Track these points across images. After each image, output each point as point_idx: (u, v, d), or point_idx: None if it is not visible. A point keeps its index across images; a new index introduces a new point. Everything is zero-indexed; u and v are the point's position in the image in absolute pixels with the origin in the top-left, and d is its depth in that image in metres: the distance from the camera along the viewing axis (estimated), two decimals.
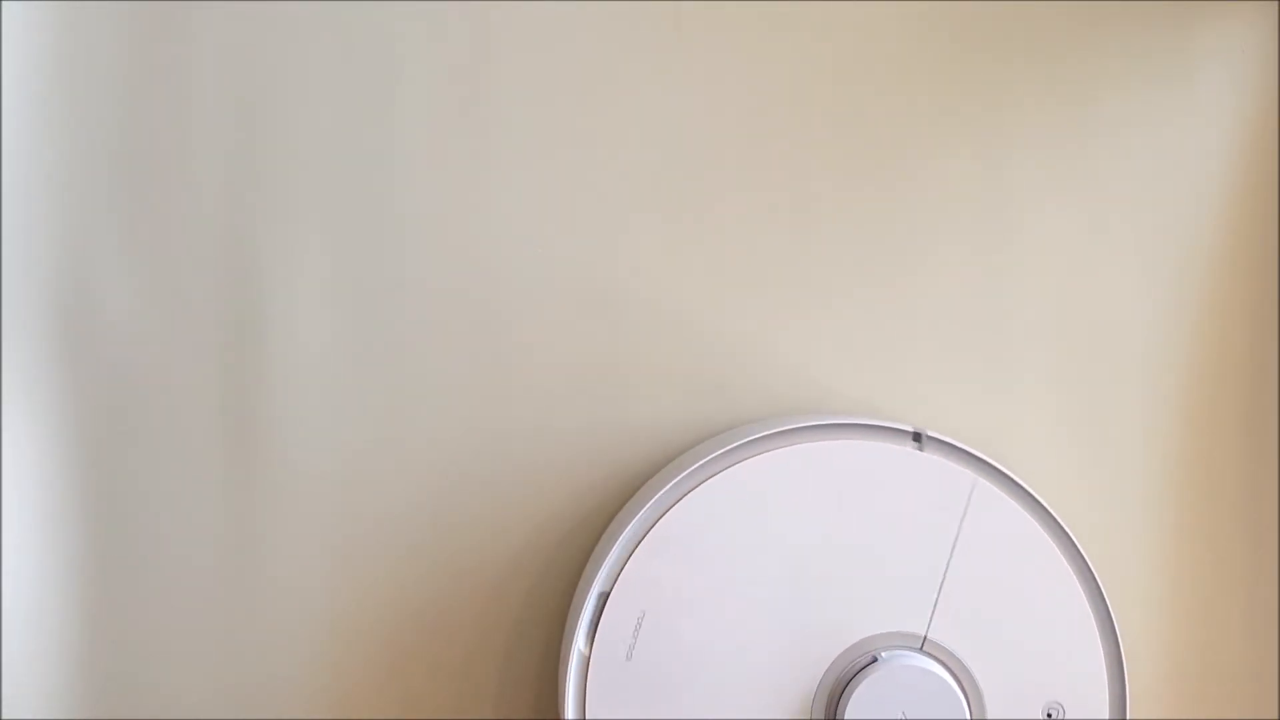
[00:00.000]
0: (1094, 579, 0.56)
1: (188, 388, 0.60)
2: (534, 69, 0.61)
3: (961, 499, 0.55)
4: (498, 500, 0.62)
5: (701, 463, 0.56)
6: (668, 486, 0.56)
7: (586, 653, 0.55)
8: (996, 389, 0.65)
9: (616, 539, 0.56)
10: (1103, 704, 0.56)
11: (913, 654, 0.55)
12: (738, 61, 0.62)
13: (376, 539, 0.61)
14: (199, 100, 0.59)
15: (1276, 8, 0.65)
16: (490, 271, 0.62)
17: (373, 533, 0.61)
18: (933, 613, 0.55)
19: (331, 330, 0.60)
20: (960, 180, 0.64)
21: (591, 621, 0.55)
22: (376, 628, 0.61)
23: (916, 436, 0.56)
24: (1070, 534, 0.56)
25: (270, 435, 0.60)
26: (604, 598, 0.55)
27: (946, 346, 0.65)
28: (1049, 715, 0.56)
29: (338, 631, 0.61)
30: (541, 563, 0.62)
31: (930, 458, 0.56)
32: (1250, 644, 0.66)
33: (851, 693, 0.54)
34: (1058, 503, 0.57)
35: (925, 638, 0.55)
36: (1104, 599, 0.56)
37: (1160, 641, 0.66)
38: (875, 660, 0.55)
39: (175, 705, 0.60)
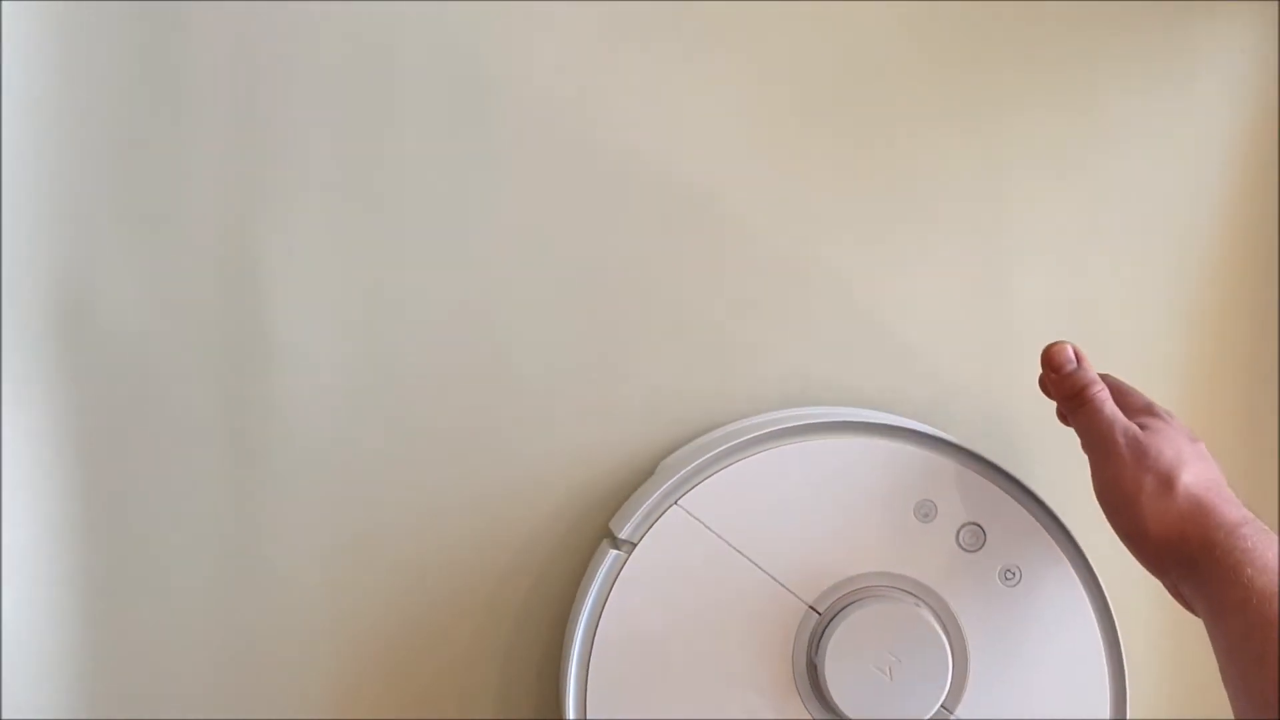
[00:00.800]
0: (1081, 555, 0.56)
1: (188, 390, 0.60)
2: (534, 68, 0.61)
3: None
4: (499, 500, 0.62)
5: (695, 464, 0.56)
6: (669, 482, 0.56)
7: (586, 653, 0.55)
8: (995, 388, 0.65)
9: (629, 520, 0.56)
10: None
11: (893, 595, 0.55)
12: (735, 65, 0.62)
13: (378, 541, 0.61)
14: (199, 102, 0.59)
15: (1277, 7, 0.65)
16: (491, 272, 0.61)
17: (374, 535, 0.61)
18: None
19: (332, 332, 0.60)
20: (960, 178, 0.64)
21: (591, 621, 0.55)
22: (378, 629, 0.61)
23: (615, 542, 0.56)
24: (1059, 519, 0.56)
25: (271, 437, 0.60)
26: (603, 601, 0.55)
27: (946, 346, 0.65)
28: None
29: (339, 633, 0.61)
30: (541, 563, 0.63)
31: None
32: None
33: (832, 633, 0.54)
34: (1059, 503, 0.57)
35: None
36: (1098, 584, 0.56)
37: (1159, 646, 0.66)
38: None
39: (175, 708, 0.60)
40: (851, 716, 0.54)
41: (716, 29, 0.62)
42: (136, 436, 0.59)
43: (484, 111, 0.61)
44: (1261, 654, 0.42)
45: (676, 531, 0.55)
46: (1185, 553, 0.47)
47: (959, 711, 0.56)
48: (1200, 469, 0.49)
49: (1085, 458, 0.52)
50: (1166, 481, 0.48)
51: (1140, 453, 0.48)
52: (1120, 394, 0.54)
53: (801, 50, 0.62)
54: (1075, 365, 0.52)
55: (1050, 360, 0.52)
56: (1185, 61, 0.64)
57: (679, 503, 0.55)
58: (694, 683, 0.55)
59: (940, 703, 0.55)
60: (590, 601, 0.55)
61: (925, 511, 0.56)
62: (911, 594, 0.56)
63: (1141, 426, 0.50)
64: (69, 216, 0.59)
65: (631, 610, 0.55)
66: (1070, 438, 0.54)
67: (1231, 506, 0.47)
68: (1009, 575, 0.56)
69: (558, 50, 0.61)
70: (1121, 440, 0.49)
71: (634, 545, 0.55)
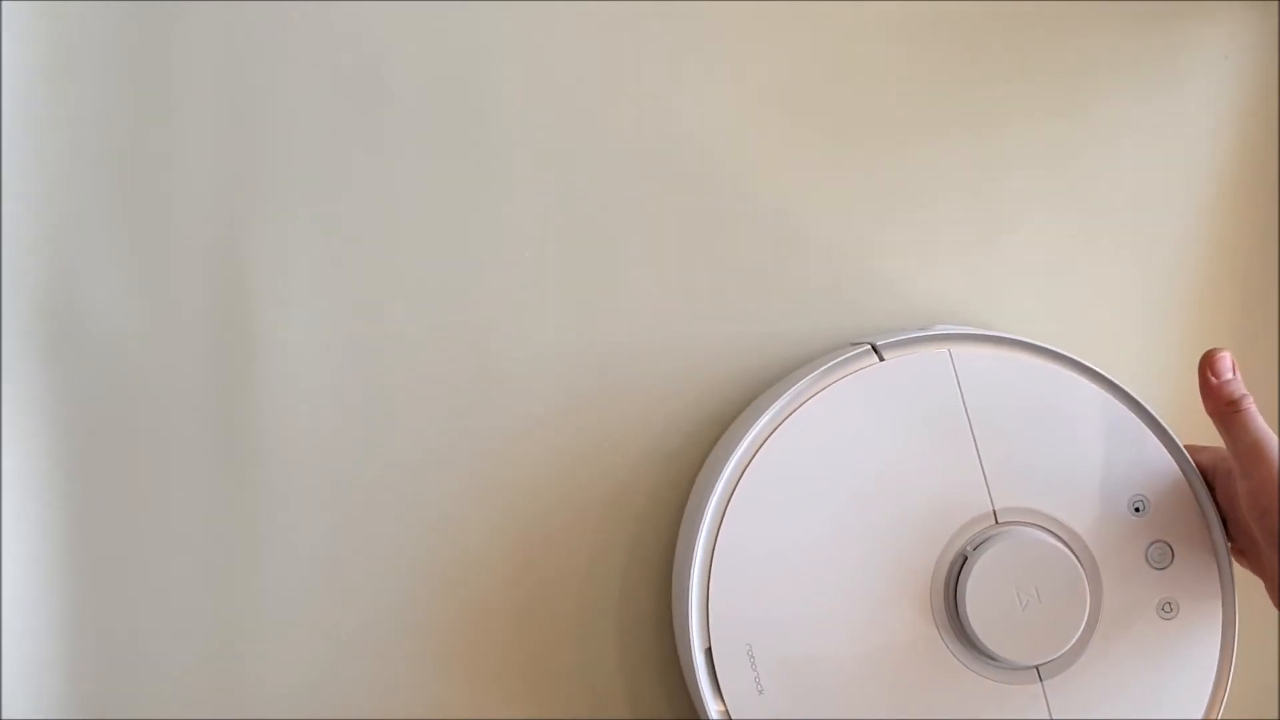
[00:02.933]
0: (1109, 380, 0.57)
1: (177, 392, 0.58)
2: (528, 69, 0.59)
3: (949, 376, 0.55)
4: (491, 503, 0.60)
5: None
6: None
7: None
8: None
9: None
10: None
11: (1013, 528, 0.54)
12: (724, 69, 0.61)
13: (369, 544, 0.59)
14: (189, 106, 0.57)
15: (1277, 8, 0.64)
16: (485, 274, 0.60)
17: (365, 537, 0.59)
18: (989, 489, 0.55)
19: (323, 335, 0.59)
20: (950, 182, 0.62)
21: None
22: (370, 633, 0.59)
23: (873, 349, 0.55)
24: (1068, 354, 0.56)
25: (261, 439, 0.58)
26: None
27: None
28: (1135, 509, 0.56)
29: (330, 637, 0.59)
30: (540, 569, 0.60)
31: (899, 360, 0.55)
32: (1250, 644, 0.66)
33: (967, 577, 0.53)
34: None
35: (994, 511, 0.55)
36: (1139, 404, 0.56)
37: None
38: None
39: (165, 710, 0.58)
40: (1012, 657, 0.53)
41: (707, 34, 0.60)
42: (125, 440, 0.57)
43: (476, 113, 0.59)
44: None
45: (930, 367, 0.55)
46: None
47: (1046, 680, 0.55)
48: None
49: None
50: None
51: None
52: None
53: (787, 54, 0.61)
54: (1233, 375, 0.54)
55: (1212, 365, 0.54)
56: (1176, 64, 0.64)
57: (950, 350, 0.54)
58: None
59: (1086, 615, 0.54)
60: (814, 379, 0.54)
61: (1138, 506, 0.55)
62: (1029, 524, 0.55)
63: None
64: (57, 220, 0.57)
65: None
66: None
67: None
68: (1167, 609, 0.55)
69: (551, 51, 0.59)
70: (1271, 449, 0.52)
71: (882, 359, 0.54)
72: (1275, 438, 0.52)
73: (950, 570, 0.54)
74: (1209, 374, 0.54)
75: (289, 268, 0.58)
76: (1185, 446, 0.57)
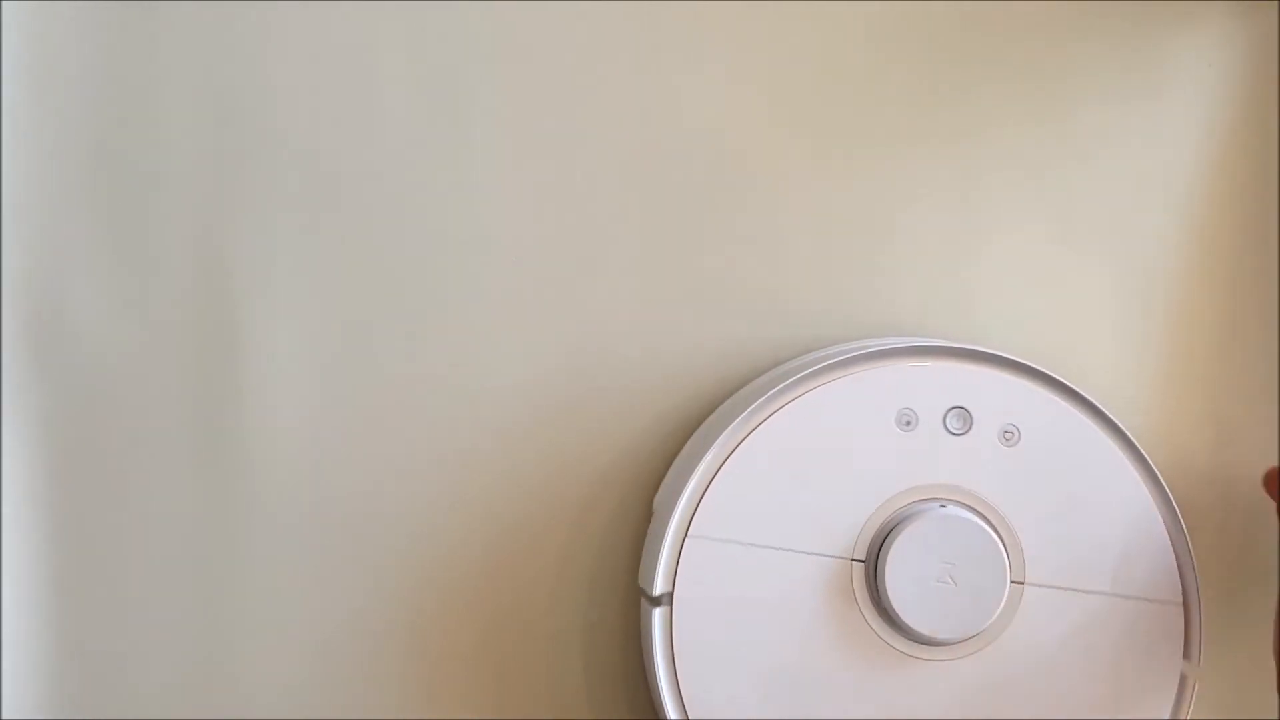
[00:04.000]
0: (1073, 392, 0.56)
1: (160, 396, 0.58)
2: (517, 70, 0.60)
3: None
4: (479, 507, 0.60)
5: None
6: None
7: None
8: None
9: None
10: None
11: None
12: (707, 78, 0.61)
13: (354, 547, 0.60)
14: (173, 105, 0.58)
15: (1276, 10, 0.64)
16: (476, 277, 0.60)
17: (350, 540, 0.60)
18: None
19: (307, 338, 0.59)
20: (932, 190, 0.63)
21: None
22: (354, 635, 0.60)
23: (655, 601, 0.57)
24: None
25: (245, 443, 0.59)
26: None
27: None
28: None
29: (309, 638, 0.59)
30: (511, 575, 0.61)
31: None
32: (1250, 643, 0.64)
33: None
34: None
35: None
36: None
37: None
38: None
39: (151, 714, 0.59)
40: (942, 634, 0.54)
41: (686, 40, 0.61)
42: (107, 444, 0.58)
43: (466, 114, 0.60)
44: None
45: (703, 561, 0.54)
46: None
47: (1030, 578, 0.55)
48: None
49: None
50: None
51: None
52: None
53: (768, 59, 0.61)
54: None
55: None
56: (1158, 71, 0.63)
57: (690, 535, 0.54)
58: (791, 685, 0.54)
59: (1009, 579, 0.54)
60: (661, 670, 0.54)
61: (907, 420, 0.55)
62: (934, 499, 0.55)
63: None
64: (37, 222, 0.58)
65: (701, 658, 0.54)
66: None
67: None
68: (1008, 436, 0.55)
69: (541, 49, 0.60)
70: None
71: (670, 595, 0.54)
72: None
73: (882, 618, 0.55)
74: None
75: (274, 274, 0.59)
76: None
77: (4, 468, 0.57)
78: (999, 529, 0.55)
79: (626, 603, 0.62)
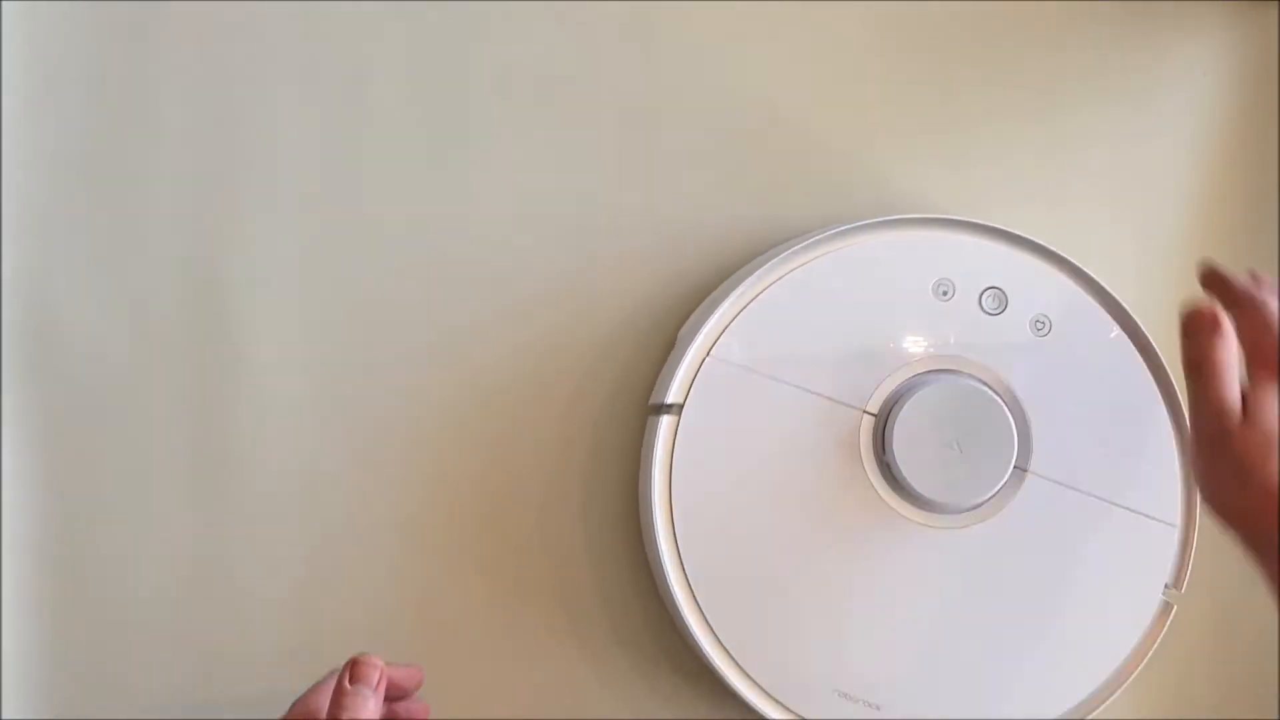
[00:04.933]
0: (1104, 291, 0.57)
1: (153, 400, 0.58)
2: (509, 70, 0.60)
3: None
4: (470, 511, 0.60)
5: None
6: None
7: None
8: None
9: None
10: None
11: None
12: (702, 72, 0.61)
13: (347, 550, 0.59)
14: (165, 108, 0.58)
15: (1276, 11, 0.64)
16: (468, 280, 0.60)
17: (343, 543, 0.59)
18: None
19: (300, 342, 0.59)
20: (925, 191, 0.63)
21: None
22: (347, 637, 0.59)
23: (664, 409, 0.56)
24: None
25: (238, 447, 0.59)
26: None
27: None
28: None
29: (308, 641, 0.59)
30: (509, 460, 0.60)
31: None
32: (1250, 643, 0.64)
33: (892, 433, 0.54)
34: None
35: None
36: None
37: None
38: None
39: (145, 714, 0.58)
40: (938, 499, 0.54)
41: (689, 37, 0.61)
42: (103, 447, 0.58)
43: (458, 117, 0.60)
44: None
45: (718, 383, 0.55)
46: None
47: (1035, 467, 0.55)
48: None
49: None
50: (1243, 476, 0.48)
51: (1223, 447, 0.48)
52: (1259, 332, 0.50)
53: (765, 56, 0.61)
54: (1210, 331, 0.50)
55: (1193, 322, 0.50)
56: (1149, 73, 0.63)
57: (711, 354, 0.55)
58: (781, 519, 0.55)
59: (1013, 463, 0.54)
60: (656, 476, 0.54)
61: (944, 289, 0.56)
62: (955, 370, 0.55)
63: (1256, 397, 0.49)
64: (29, 225, 0.58)
65: (700, 472, 0.54)
66: None
67: None
68: (1040, 325, 0.56)
69: (532, 49, 0.60)
70: (1208, 431, 0.49)
71: (680, 407, 0.55)
72: (1220, 415, 0.48)
73: (884, 474, 0.55)
74: (1183, 330, 0.50)
75: (267, 277, 0.59)
76: None
77: (3, 469, 0.57)
78: (1014, 412, 0.55)
79: (626, 477, 0.61)
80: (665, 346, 0.60)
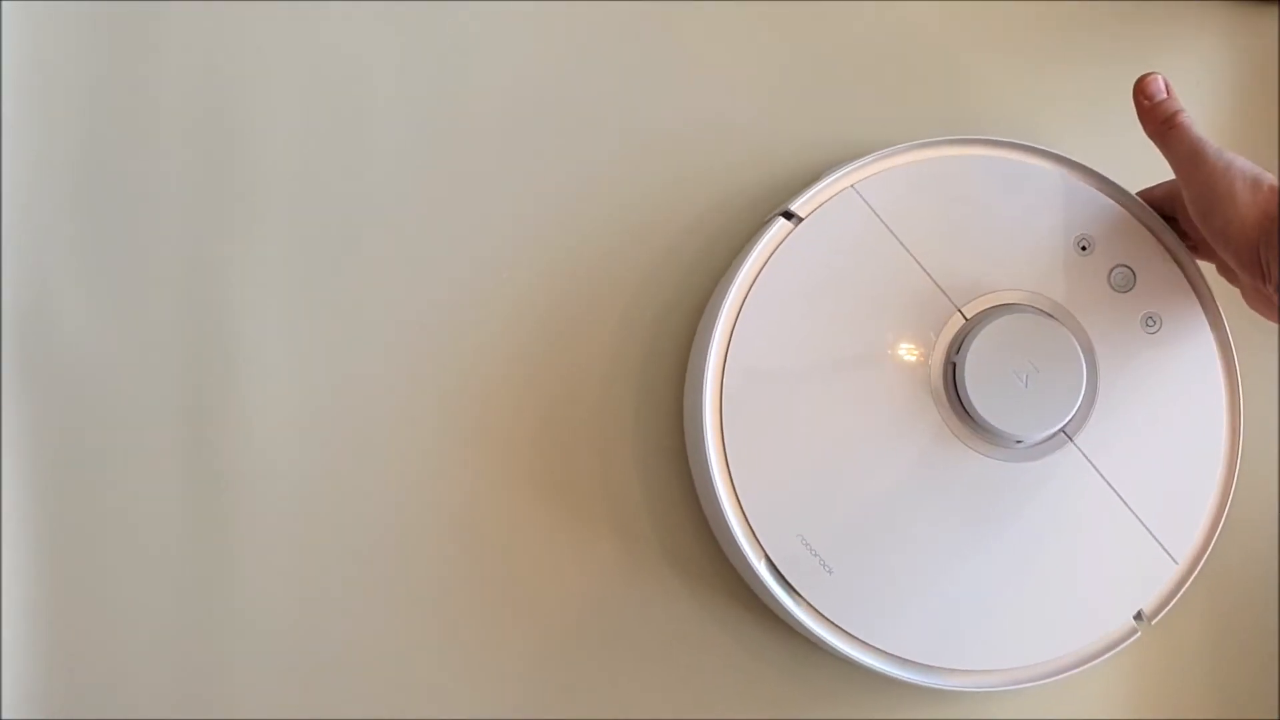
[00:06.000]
0: (1219, 316, 0.57)
1: (149, 403, 0.58)
2: (508, 72, 0.60)
3: None
4: (466, 518, 0.60)
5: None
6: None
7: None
8: None
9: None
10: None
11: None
12: (694, 71, 0.61)
13: (342, 554, 0.59)
14: (162, 111, 0.58)
15: (1276, 11, 0.64)
16: (463, 283, 0.60)
17: (338, 548, 0.59)
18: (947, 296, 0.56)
19: (296, 345, 0.58)
20: None
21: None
22: (342, 641, 0.59)
23: (788, 215, 0.56)
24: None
25: (234, 451, 0.58)
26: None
27: None
28: (1081, 248, 0.56)
29: (308, 639, 0.59)
30: (560, 376, 0.60)
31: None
32: (1250, 643, 0.64)
33: (963, 375, 0.54)
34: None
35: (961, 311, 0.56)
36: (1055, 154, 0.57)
37: None
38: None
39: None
40: (981, 414, 0.54)
41: (681, 36, 0.61)
42: (96, 451, 0.58)
43: (457, 121, 0.59)
44: None
45: (846, 213, 0.56)
46: (1273, 230, 0.49)
47: (1078, 439, 0.56)
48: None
49: None
50: (1255, 178, 0.50)
51: (1229, 160, 0.51)
52: None
53: (770, 55, 0.62)
54: (1166, 95, 0.54)
55: (1143, 90, 0.54)
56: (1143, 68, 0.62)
57: (854, 186, 0.56)
58: (836, 361, 0.56)
59: (1067, 419, 0.55)
60: (749, 263, 0.55)
61: (1084, 245, 0.56)
62: (1055, 317, 0.56)
63: None
64: (26, 228, 0.58)
65: (789, 275, 0.56)
66: None
67: None
68: (1150, 322, 0.57)
69: (532, 52, 0.60)
70: (1211, 151, 0.52)
71: (801, 219, 0.56)
72: (1211, 144, 0.52)
73: (945, 376, 0.56)
74: (1143, 98, 0.54)
75: (263, 279, 0.58)
76: (1138, 193, 0.57)
77: (3, 470, 0.57)
78: (1089, 376, 0.56)
79: (674, 398, 0.61)
80: (719, 270, 0.61)
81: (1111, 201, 0.57)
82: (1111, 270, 0.57)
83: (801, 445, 0.55)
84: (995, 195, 0.56)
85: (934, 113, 0.62)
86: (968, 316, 0.56)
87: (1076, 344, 0.55)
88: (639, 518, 0.60)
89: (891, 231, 0.56)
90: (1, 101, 0.57)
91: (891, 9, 0.61)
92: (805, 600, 0.55)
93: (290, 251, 0.58)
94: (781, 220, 0.56)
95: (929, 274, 0.56)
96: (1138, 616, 0.57)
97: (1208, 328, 0.57)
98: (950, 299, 0.56)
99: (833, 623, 0.55)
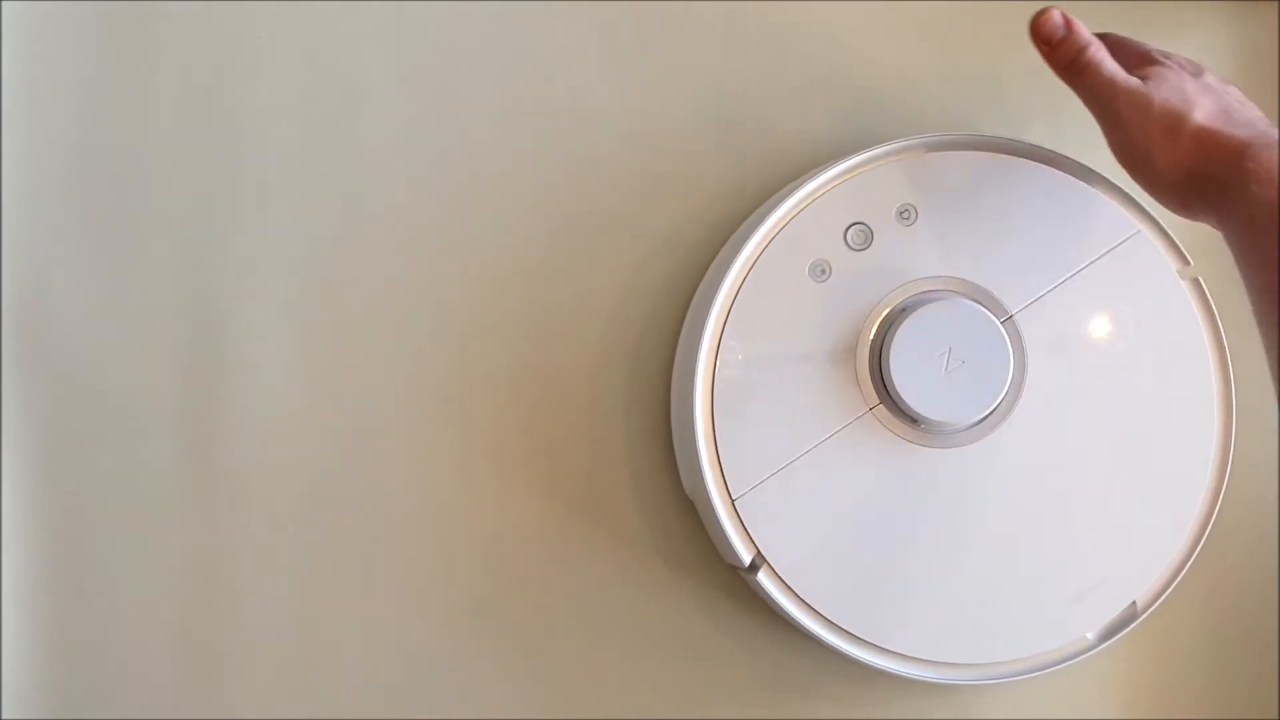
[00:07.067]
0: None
1: (147, 398, 0.58)
2: (504, 69, 0.60)
3: None
4: (454, 508, 0.60)
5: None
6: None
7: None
8: None
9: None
10: None
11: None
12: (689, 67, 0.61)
13: (330, 544, 0.59)
14: (160, 105, 0.58)
15: (1276, 11, 0.62)
16: (453, 275, 0.60)
17: (326, 537, 0.59)
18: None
19: (294, 340, 0.59)
20: None
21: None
22: (332, 631, 0.59)
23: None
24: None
25: (231, 445, 0.58)
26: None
27: None
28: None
29: (307, 640, 0.59)
30: (550, 369, 0.61)
31: None
32: (1250, 643, 0.62)
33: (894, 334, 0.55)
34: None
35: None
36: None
37: None
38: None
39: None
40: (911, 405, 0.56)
41: (679, 31, 0.62)
42: (94, 446, 0.58)
43: (452, 115, 0.60)
44: (1264, 260, 0.45)
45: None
46: (1198, 186, 0.48)
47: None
48: (1206, 103, 0.49)
49: None
50: (1173, 127, 0.48)
51: (1144, 106, 0.49)
52: (1117, 48, 0.53)
53: (773, 57, 0.62)
54: (1065, 32, 0.51)
55: (1038, 33, 0.51)
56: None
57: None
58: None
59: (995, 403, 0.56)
60: (741, 256, 0.57)
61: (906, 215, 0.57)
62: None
63: (1142, 78, 0.50)
64: (25, 222, 0.58)
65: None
66: None
67: (1238, 129, 0.48)
68: (904, 216, 0.57)
69: (527, 48, 0.60)
70: (1123, 99, 0.49)
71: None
72: (1126, 83, 0.49)
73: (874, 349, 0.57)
74: (1040, 43, 0.51)
75: (260, 273, 0.58)
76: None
77: (2, 470, 0.57)
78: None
79: (662, 387, 0.62)
80: (708, 263, 0.61)
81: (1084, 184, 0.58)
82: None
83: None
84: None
85: (929, 109, 0.63)
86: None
87: (1000, 327, 0.56)
88: (628, 509, 0.61)
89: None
90: (4, 98, 0.57)
91: (890, 9, 0.63)
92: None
93: (286, 245, 0.59)
94: (780, 211, 0.57)
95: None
96: (1131, 608, 0.57)
97: (1194, 306, 0.57)
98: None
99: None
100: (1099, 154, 0.53)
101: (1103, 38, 0.53)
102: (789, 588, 0.56)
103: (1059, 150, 0.57)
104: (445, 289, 0.60)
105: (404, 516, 0.60)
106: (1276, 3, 0.63)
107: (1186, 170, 0.48)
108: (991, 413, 0.56)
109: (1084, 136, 0.54)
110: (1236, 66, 0.63)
